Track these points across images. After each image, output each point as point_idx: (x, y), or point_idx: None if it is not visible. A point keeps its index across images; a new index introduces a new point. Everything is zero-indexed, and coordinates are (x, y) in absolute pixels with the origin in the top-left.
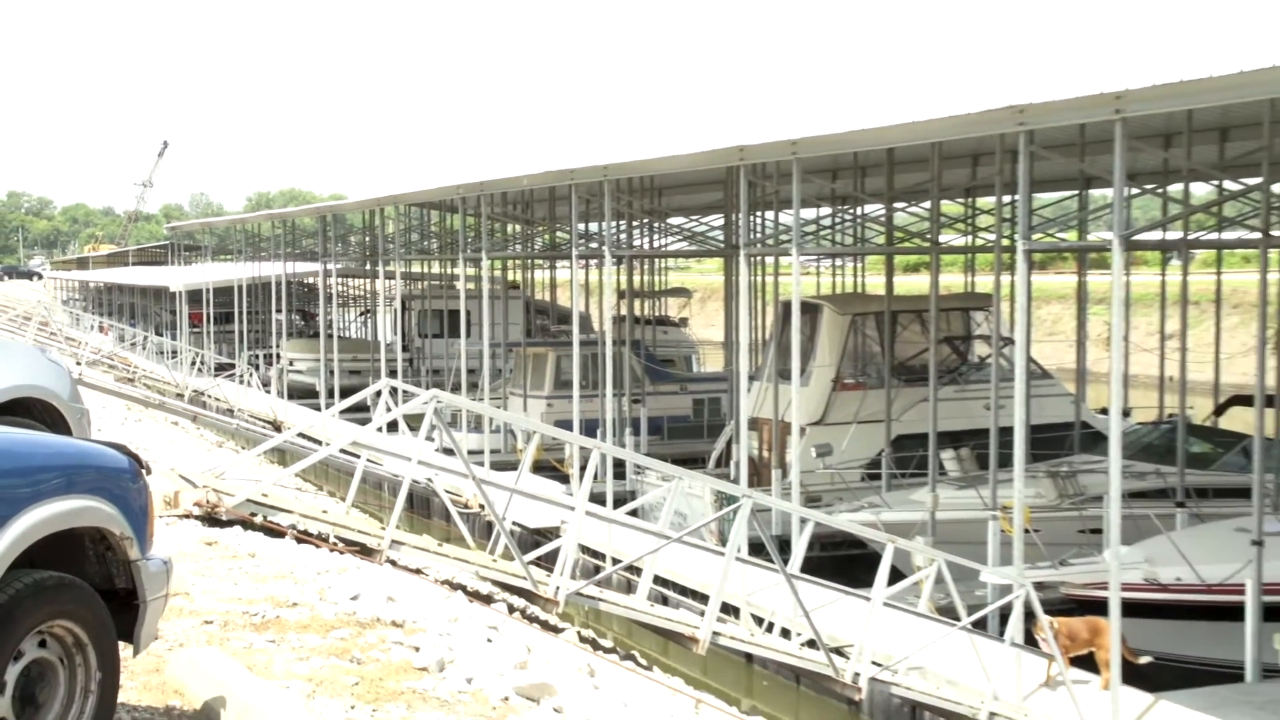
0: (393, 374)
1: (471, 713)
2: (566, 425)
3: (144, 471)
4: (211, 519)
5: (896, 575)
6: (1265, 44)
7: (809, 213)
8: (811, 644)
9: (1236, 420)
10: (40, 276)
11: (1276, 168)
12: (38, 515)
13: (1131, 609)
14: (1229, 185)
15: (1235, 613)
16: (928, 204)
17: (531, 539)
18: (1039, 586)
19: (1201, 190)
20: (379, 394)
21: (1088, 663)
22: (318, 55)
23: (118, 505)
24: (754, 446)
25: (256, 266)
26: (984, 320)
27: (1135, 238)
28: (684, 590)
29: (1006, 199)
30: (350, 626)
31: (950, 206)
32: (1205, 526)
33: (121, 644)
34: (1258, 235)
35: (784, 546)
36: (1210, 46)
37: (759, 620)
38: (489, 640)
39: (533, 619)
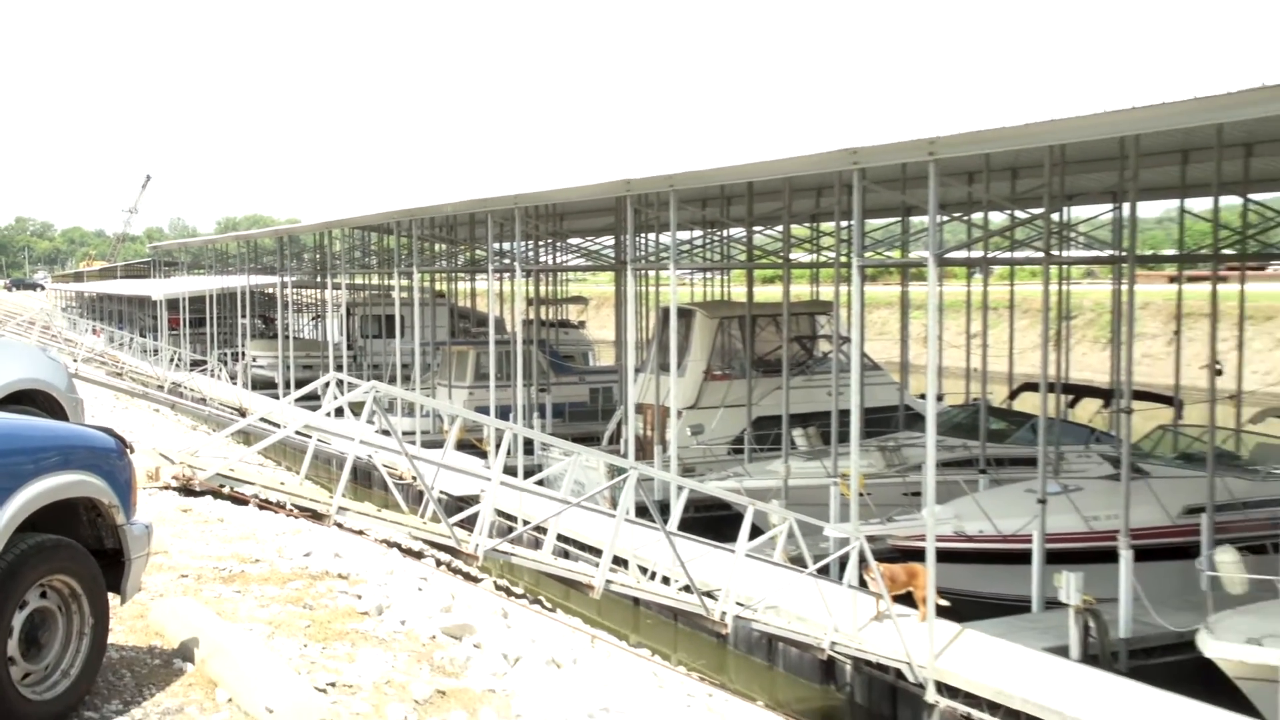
0: (339, 368)
1: (405, 649)
2: (485, 410)
3: (128, 450)
4: (186, 490)
5: (756, 532)
6: (1045, 101)
7: (684, 234)
8: (687, 589)
9: (1026, 403)
10: (43, 288)
11: (1055, 200)
12: (39, 488)
13: (944, 556)
14: (1019, 214)
15: (1024, 557)
16: (780, 227)
17: (455, 505)
18: (870, 539)
19: (998, 218)
20: (327, 385)
21: (910, 600)
22: (278, 100)
23: (106, 479)
24: (640, 427)
25: (224, 279)
26: (826, 323)
27: (946, 256)
28: (582, 546)
29: (844, 224)
30: (303, 579)
31: (799, 229)
32: (1002, 489)
33: (110, 595)
34: (1041, 255)
35: (664, 509)
36: (1004, 102)
37: (644, 570)
38: (419, 589)
39: (456, 571)
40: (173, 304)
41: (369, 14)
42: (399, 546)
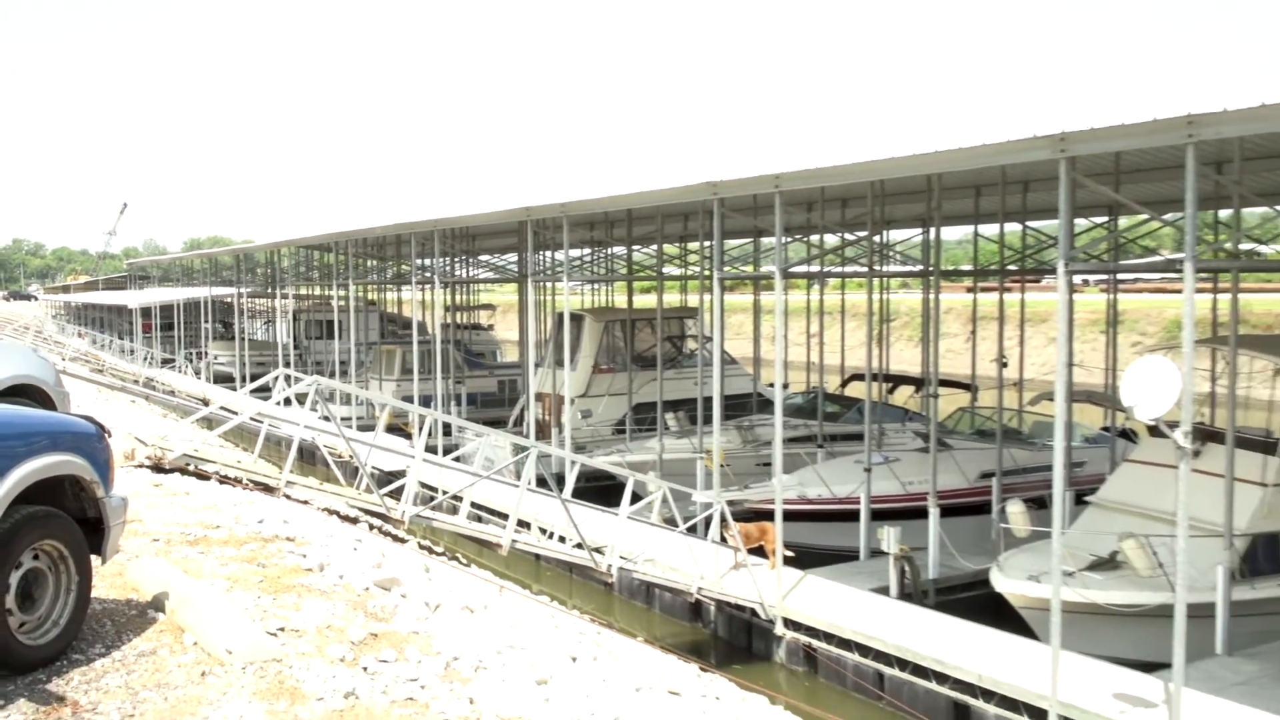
0: (288, 365)
1: (343, 599)
2: (410, 399)
3: (107, 435)
4: (157, 468)
5: (636, 498)
6: (868, 145)
7: (575, 252)
8: (579, 546)
9: (855, 390)
10: (36, 298)
11: (877, 225)
12: (31, 467)
13: (790, 516)
14: (848, 236)
15: (854, 516)
16: (655, 246)
17: (386, 479)
18: (730, 503)
19: (831, 239)
20: (277, 378)
21: (762, 552)
22: (237, 134)
23: (88, 459)
24: (539, 412)
25: (190, 290)
26: (692, 325)
27: (790, 270)
28: (492, 512)
29: (706, 243)
30: (257, 541)
31: (670, 248)
32: (836, 460)
33: (93, 556)
34: (866, 269)
35: (560, 480)
36: (836, 145)
37: (544, 531)
38: (355, 549)
39: (386, 534)
40: (146, 311)
41: (310, 65)
42: (338, 514)
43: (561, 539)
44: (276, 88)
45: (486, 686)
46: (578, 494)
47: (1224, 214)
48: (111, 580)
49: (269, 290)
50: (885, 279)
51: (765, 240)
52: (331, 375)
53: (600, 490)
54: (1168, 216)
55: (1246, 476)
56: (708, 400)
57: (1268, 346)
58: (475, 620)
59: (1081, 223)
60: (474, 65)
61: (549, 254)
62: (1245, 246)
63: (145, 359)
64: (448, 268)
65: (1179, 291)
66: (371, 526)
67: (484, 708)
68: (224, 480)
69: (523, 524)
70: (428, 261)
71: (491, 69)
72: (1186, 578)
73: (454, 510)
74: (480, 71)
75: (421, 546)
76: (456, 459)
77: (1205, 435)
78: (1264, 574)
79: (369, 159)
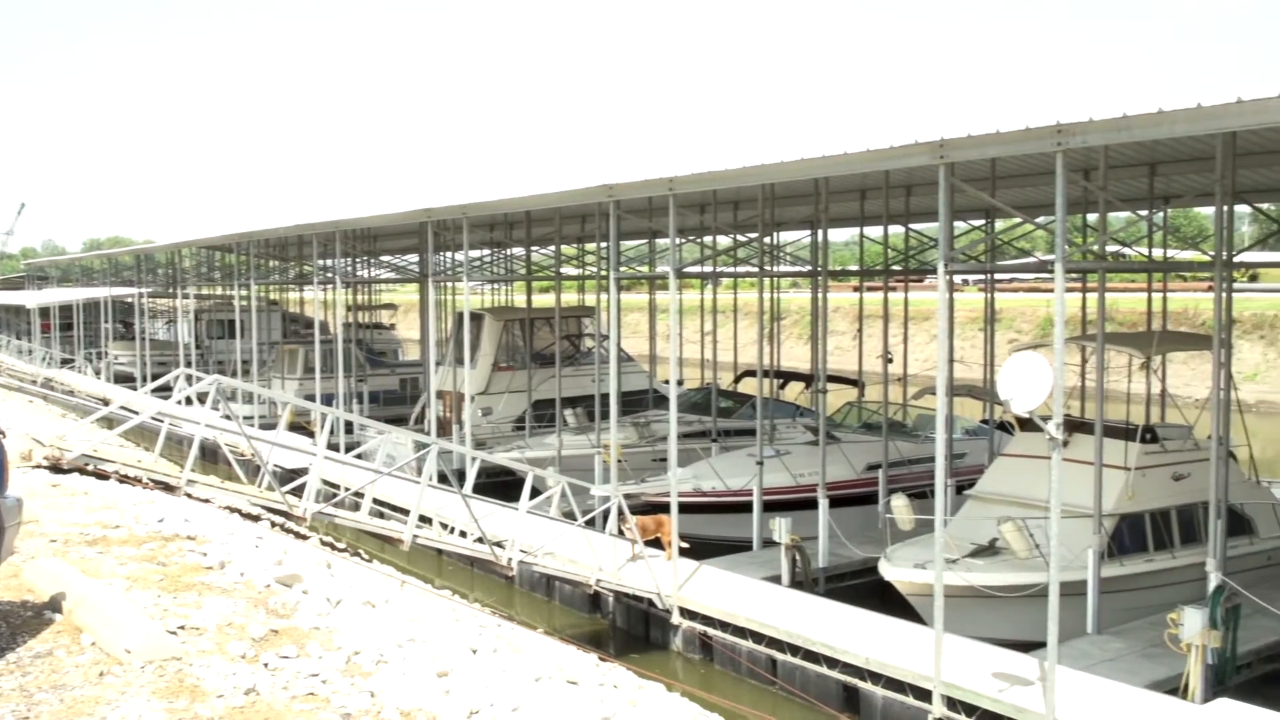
0: (189, 365)
1: (244, 596)
2: (313, 398)
3: (1, 435)
4: (56, 468)
5: (536, 492)
6: (758, 150)
7: (475, 253)
8: (480, 540)
9: (747, 386)
10: None
11: (767, 227)
12: None
13: (685, 508)
14: (740, 237)
15: (747, 508)
16: (553, 247)
17: (288, 476)
18: (627, 497)
19: (724, 240)
20: (178, 378)
21: (659, 544)
22: (136, 133)
23: None
24: (440, 409)
25: (89, 290)
26: (590, 324)
27: (684, 270)
28: (394, 508)
29: (603, 244)
30: (157, 541)
31: (568, 249)
32: (729, 454)
33: None
34: (757, 269)
35: (461, 476)
36: (728, 150)
37: (445, 526)
38: (256, 546)
39: (288, 531)
40: (44, 311)
41: (210, 65)
42: (239, 512)
43: (463, 534)
44: (176, 87)
45: (387, 680)
46: (479, 490)
47: (1091, 218)
48: (6, 582)
49: (170, 290)
50: (775, 279)
51: (660, 241)
52: (234, 375)
53: (501, 486)
54: (1040, 220)
55: (1112, 462)
56: (605, 397)
57: (1131, 343)
58: (377, 615)
59: (961, 225)
60: (374, 68)
61: (449, 254)
62: (1111, 249)
63: (44, 359)
64: (349, 268)
65: (1051, 291)
66: (273, 524)
67: (385, 701)
68: (124, 480)
69: (424, 520)
70: (329, 262)
71: (392, 71)
72: (1059, 559)
73: (356, 507)
74: (381, 74)
75: (323, 543)
76: (358, 456)
77: (1075, 426)
78: (1130, 552)
79: (271, 160)
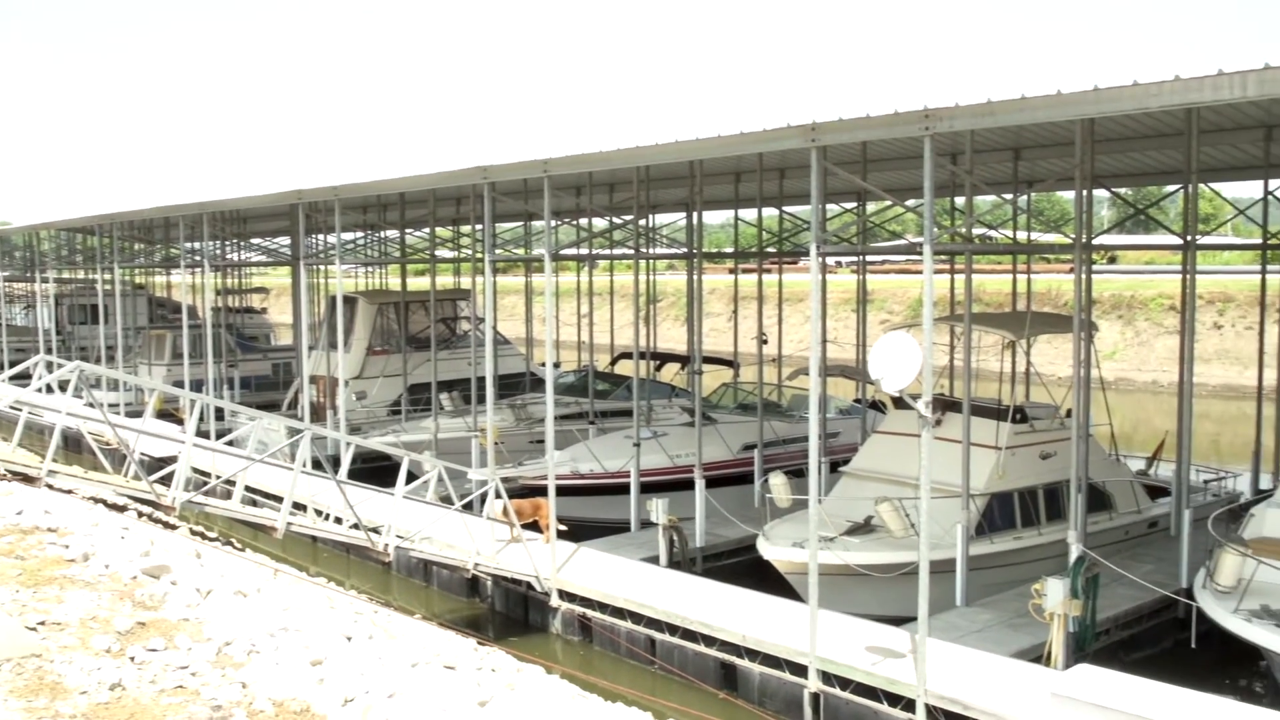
0: (49, 351)
1: (109, 589)
2: (181, 384)
3: None
4: None
5: (413, 477)
6: (632, 131)
7: (349, 235)
8: (356, 527)
9: (624, 368)
10: None
11: (643, 209)
12: None
13: (563, 491)
14: (616, 220)
15: (625, 489)
16: (428, 229)
17: (157, 465)
18: (505, 480)
19: (600, 223)
20: (37, 364)
21: (537, 527)
22: None
23: None
24: (314, 394)
25: None
26: (465, 307)
27: (560, 253)
28: (268, 495)
29: (478, 226)
30: (15, 534)
31: (443, 231)
32: (606, 436)
33: None
34: (633, 252)
35: (336, 462)
36: (602, 132)
37: (320, 513)
38: (122, 537)
39: (156, 521)
40: None
41: (72, 39)
42: (104, 503)
43: (338, 520)
44: (35, 62)
45: (259, 670)
46: (354, 475)
47: (959, 201)
48: None
49: (28, 274)
50: (651, 261)
51: (536, 224)
52: (97, 361)
53: (376, 471)
54: (910, 203)
55: (983, 442)
56: (481, 380)
57: (999, 323)
58: (248, 604)
59: (833, 208)
60: (243, 44)
61: (322, 237)
62: (978, 231)
63: None
64: (218, 251)
65: (921, 272)
66: (141, 514)
67: (256, 691)
68: None
69: (298, 506)
70: (197, 245)
71: (261, 48)
72: (930, 537)
73: (228, 495)
74: (250, 50)
75: (193, 532)
76: (230, 443)
77: (945, 405)
78: (1000, 529)
79: (136, 140)
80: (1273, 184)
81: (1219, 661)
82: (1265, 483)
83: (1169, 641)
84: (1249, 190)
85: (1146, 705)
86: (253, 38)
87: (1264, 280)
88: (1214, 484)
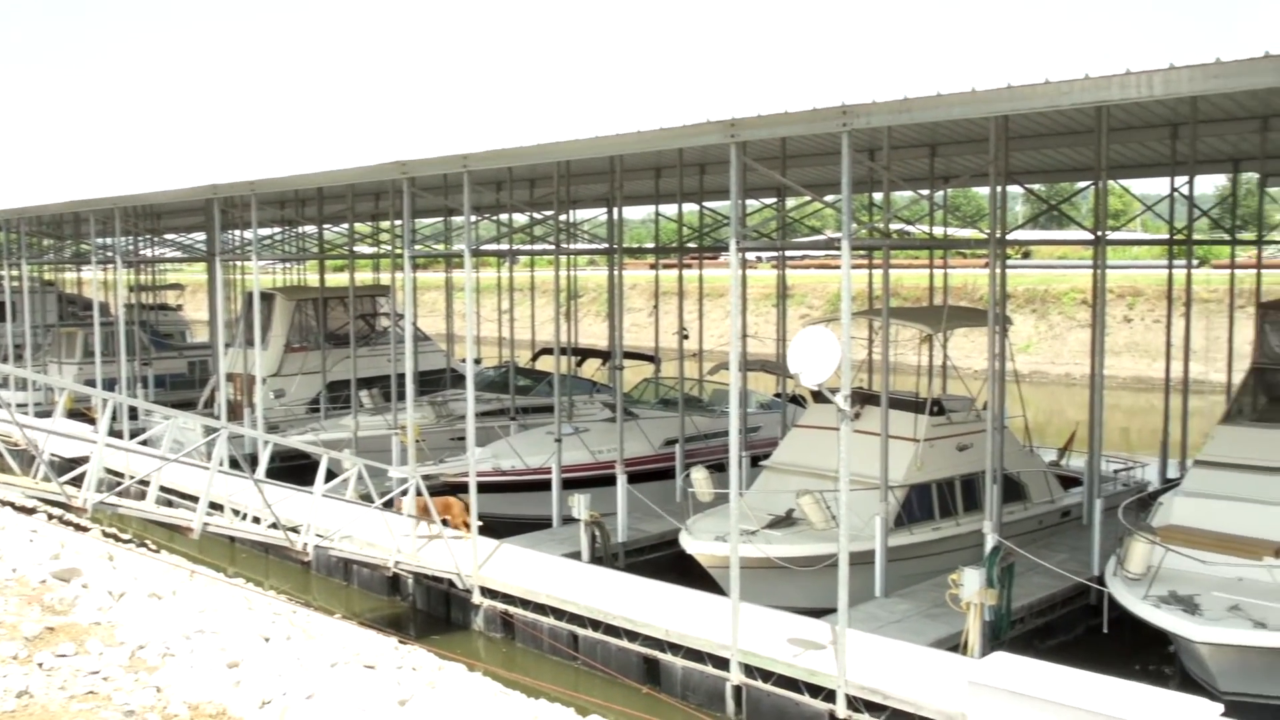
0: None
1: (16, 594)
2: (93, 383)
3: None
4: None
5: (332, 475)
6: (552, 126)
7: (266, 230)
8: (274, 526)
9: (545, 363)
10: None
11: (563, 205)
12: None
13: (485, 488)
14: (536, 215)
15: (546, 485)
16: (347, 225)
17: (67, 466)
18: (426, 478)
19: (520, 218)
20: None
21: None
22: None
23: None
24: (231, 392)
25: None
26: (385, 302)
27: (480, 248)
28: (185, 496)
29: (398, 222)
30: None
31: (362, 226)
32: (528, 432)
33: None
34: (554, 247)
35: (254, 461)
36: (522, 127)
37: (238, 513)
38: (30, 540)
39: (67, 523)
40: None
41: None
42: (12, 505)
43: (256, 520)
44: None
45: (174, 674)
46: (272, 474)
47: (877, 197)
48: None
49: None
50: (572, 256)
51: (456, 219)
52: (4, 360)
53: (296, 470)
54: (829, 198)
55: (901, 434)
56: (401, 377)
57: (916, 317)
58: (163, 607)
59: (753, 203)
60: (154, 36)
61: (239, 232)
62: (895, 227)
63: None
64: (131, 247)
65: (839, 267)
66: (50, 516)
67: (171, 695)
68: None
69: (215, 506)
70: (109, 240)
71: (175, 39)
72: (850, 529)
73: (142, 496)
74: (163, 41)
75: (106, 534)
76: (144, 443)
77: (863, 398)
78: (918, 520)
79: (44, 131)
80: (1179, 181)
81: (1130, 646)
82: (1173, 472)
83: (1082, 628)
84: (1157, 187)
85: (1060, 691)
86: (165, 28)
87: (1171, 275)
88: (1124, 473)
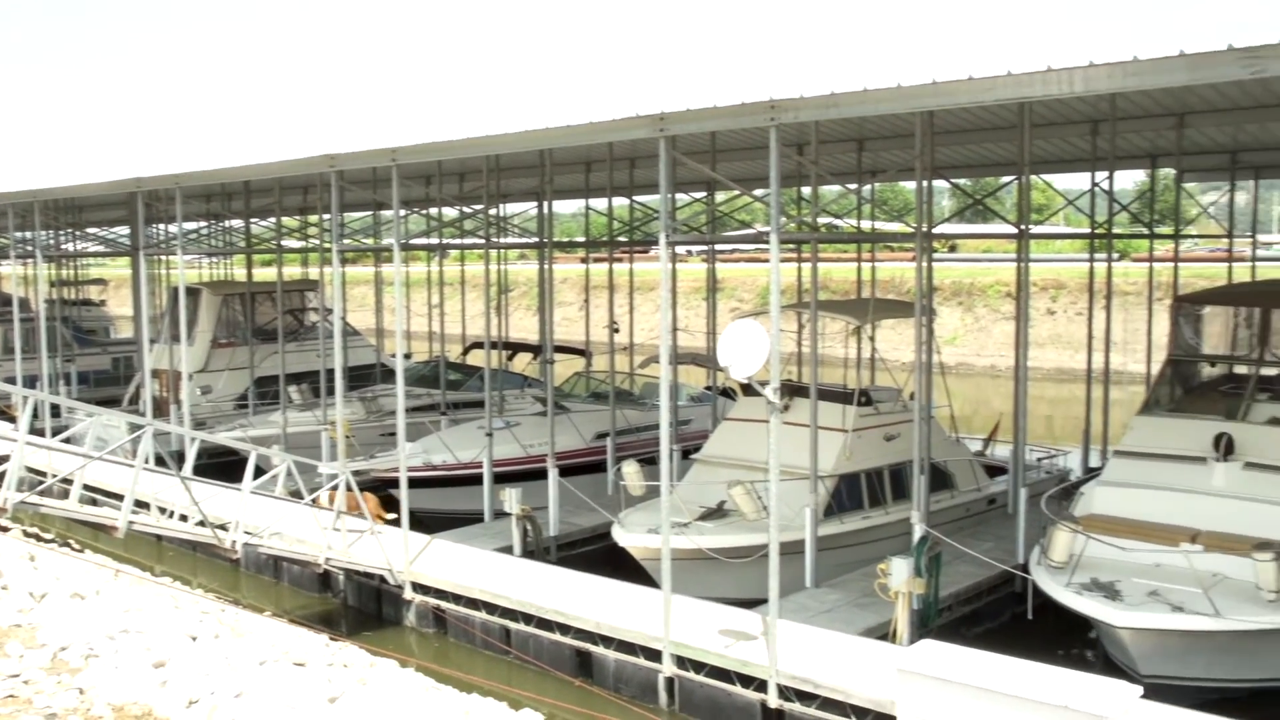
0: None
1: None
2: (13, 380)
3: None
4: None
5: (261, 472)
6: (481, 121)
7: (191, 225)
8: (202, 523)
9: (476, 358)
10: None
11: (493, 199)
12: None
13: (415, 483)
14: (466, 209)
15: (478, 480)
16: (274, 219)
17: None
18: (356, 473)
19: (450, 212)
20: None
21: (395, 522)
22: None
23: None
24: (157, 389)
25: None
26: (314, 297)
27: (410, 243)
28: (110, 494)
29: (326, 216)
30: None
31: (290, 221)
32: (459, 427)
33: None
34: (484, 241)
35: (180, 458)
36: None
37: (164, 510)
38: None
39: None
40: None
41: None
42: None
43: (183, 518)
44: None
45: (98, 675)
46: (200, 471)
47: (806, 191)
48: None
49: None
50: (502, 250)
51: (385, 213)
52: None
53: (224, 466)
54: (758, 192)
55: (829, 425)
56: (330, 372)
57: (844, 310)
58: (86, 607)
59: (683, 198)
60: (77, 27)
61: (163, 226)
62: (823, 220)
63: None
64: (51, 241)
65: (769, 261)
66: None
67: (95, 697)
68: None
69: (141, 504)
70: (29, 234)
71: (97, 31)
72: (780, 519)
73: (65, 494)
74: (85, 34)
75: (27, 534)
76: (67, 440)
77: (792, 390)
78: (848, 510)
79: None
80: (1099, 176)
81: (1054, 632)
82: (1095, 460)
83: (1007, 615)
84: (1078, 182)
85: (986, 677)
86: (88, 20)
87: (1092, 268)
88: (1047, 462)
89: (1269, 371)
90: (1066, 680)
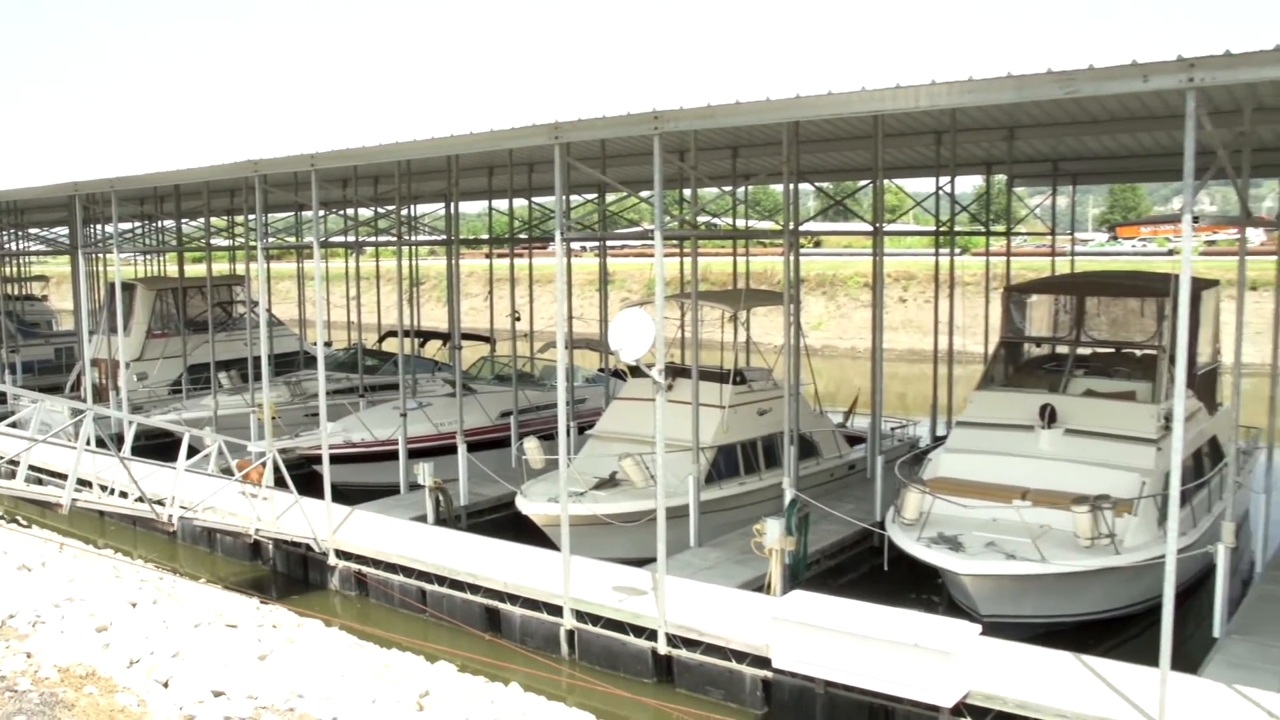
0: None
1: None
2: None
3: None
4: None
5: (194, 451)
6: (395, 128)
7: (127, 225)
8: (141, 500)
9: (391, 345)
10: None
11: (405, 200)
12: None
13: (337, 459)
14: (380, 210)
15: (394, 455)
16: (203, 220)
17: None
18: (283, 451)
19: (366, 213)
20: None
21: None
22: None
23: None
24: (97, 377)
25: None
26: (241, 291)
27: (329, 241)
28: (53, 474)
29: (252, 216)
30: None
31: (218, 221)
32: (376, 408)
33: None
34: (396, 239)
35: (120, 440)
36: (368, 128)
37: (105, 488)
38: None
39: None
40: None
41: None
42: None
43: (123, 495)
44: None
45: (44, 640)
46: (138, 452)
47: (686, 193)
48: None
49: None
50: (414, 247)
51: (306, 214)
52: None
53: (160, 447)
54: (644, 194)
55: (709, 402)
56: (257, 359)
57: (720, 299)
58: (33, 578)
59: (577, 199)
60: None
61: (100, 227)
62: (703, 219)
63: None
64: None
65: (654, 256)
66: None
67: (42, 660)
68: None
69: (83, 483)
70: None
71: (35, 41)
72: (666, 487)
73: (12, 475)
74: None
75: None
76: (13, 425)
77: (676, 371)
78: (726, 477)
79: None
80: (943, 181)
81: (907, 581)
82: (942, 430)
83: (867, 567)
84: (925, 185)
85: (848, 621)
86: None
87: (937, 262)
88: (900, 431)
89: (1084, 351)
90: (917, 622)
